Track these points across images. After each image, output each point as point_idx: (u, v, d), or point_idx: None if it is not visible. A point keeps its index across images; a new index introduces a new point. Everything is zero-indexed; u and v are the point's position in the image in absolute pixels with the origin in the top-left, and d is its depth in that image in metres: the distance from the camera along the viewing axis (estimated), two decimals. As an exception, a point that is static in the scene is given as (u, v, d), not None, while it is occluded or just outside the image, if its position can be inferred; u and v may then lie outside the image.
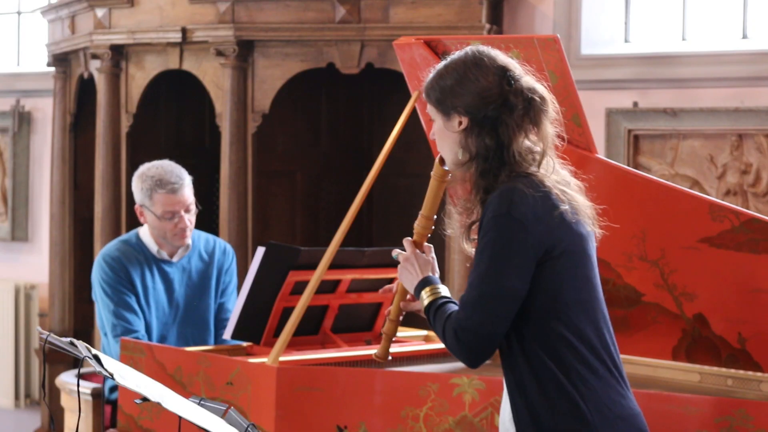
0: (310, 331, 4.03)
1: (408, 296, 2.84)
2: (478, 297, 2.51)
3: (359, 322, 4.17)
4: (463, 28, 5.73)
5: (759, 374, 3.45)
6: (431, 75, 2.72)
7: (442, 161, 2.74)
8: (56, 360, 6.58)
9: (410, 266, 2.74)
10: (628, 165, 5.60)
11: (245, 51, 5.96)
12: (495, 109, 2.60)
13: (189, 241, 4.36)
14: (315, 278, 3.59)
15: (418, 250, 2.76)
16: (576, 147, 3.41)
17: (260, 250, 3.86)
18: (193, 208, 4.34)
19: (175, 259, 4.38)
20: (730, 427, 3.09)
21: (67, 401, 4.70)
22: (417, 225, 2.80)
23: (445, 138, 2.67)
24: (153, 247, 4.35)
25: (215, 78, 6.05)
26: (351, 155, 7.00)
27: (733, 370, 3.50)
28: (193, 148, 6.97)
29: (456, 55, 2.70)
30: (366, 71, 5.93)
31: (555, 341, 2.53)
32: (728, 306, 3.40)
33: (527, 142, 2.62)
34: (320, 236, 6.75)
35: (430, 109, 2.70)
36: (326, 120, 7.04)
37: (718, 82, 5.72)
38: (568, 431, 2.51)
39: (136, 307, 4.28)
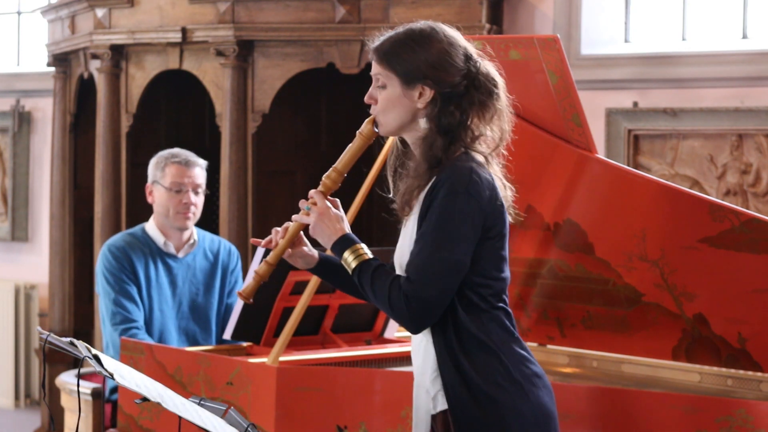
0: (310, 331, 4.03)
1: (297, 244, 2.83)
2: (436, 271, 2.60)
3: (359, 322, 4.18)
4: (463, 28, 5.65)
5: (759, 374, 3.45)
6: (390, 39, 2.75)
7: (374, 123, 2.76)
8: (56, 360, 6.58)
9: (327, 219, 2.75)
10: (628, 165, 5.60)
11: (245, 51, 5.96)
12: (462, 87, 2.67)
13: (191, 225, 4.40)
14: (315, 278, 3.60)
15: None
16: (576, 147, 3.41)
17: (260, 250, 3.86)
18: (201, 192, 4.44)
19: (180, 255, 4.41)
20: (730, 427, 3.09)
21: (67, 401, 4.70)
22: (327, 178, 2.80)
23: (398, 105, 2.70)
24: (159, 239, 4.39)
25: (215, 78, 6.05)
26: (351, 155, 6.99)
27: (733, 370, 3.50)
28: (193, 148, 6.93)
29: (420, 25, 2.78)
30: (366, 71, 5.92)
31: (479, 310, 2.67)
32: (728, 306, 3.40)
33: (483, 124, 2.69)
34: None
35: (383, 73, 2.72)
36: (326, 120, 7.03)
37: (718, 82, 5.72)
38: (495, 386, 2.64)
39: (137, 297, 4.30)
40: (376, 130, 2.77)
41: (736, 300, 3.38)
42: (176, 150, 4.49)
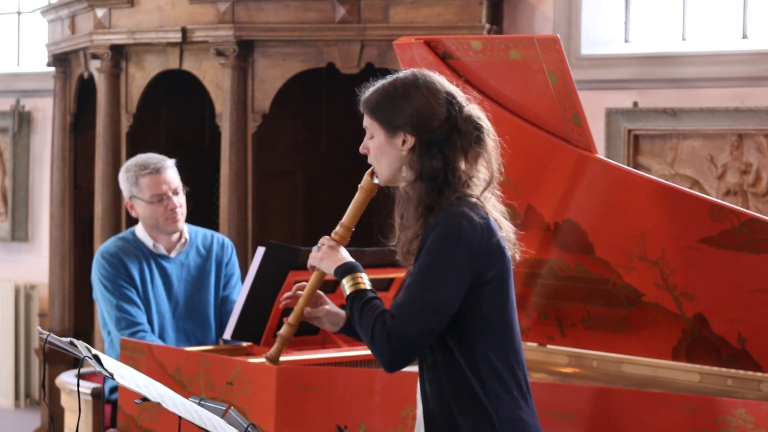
0: (310, 331, 4.03)
1: (316, 302, 2.90)
2: (418, 309, 2.59)
3: (359, 322, 4.17)
4: (463, 28, 5.73)
5: (759, 374, 3.45)
6: (374, 90, 2.77)
7: (372, 174, 2.81)
8: (56, 360, 6.58)
9: (335, 251, 2.81)
10: (628, 165, 5.60)
11: (245, 51, 5.96)
12: (444, 132, 2.68)
13: (182, 226, 4.38)
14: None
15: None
16: (576, 147, 3.41)
17: (260, 250, 3.86)
18: (181, 192, 4.39)
19: (172, 255, 4.40)
20: (730, 427, 3.09)
21: (67, 401, 4.70)
22: (336, 234, 2.85)
23: (386, 154, 2.74)
24: (149, 242, 4.37)
25: (215, 78, 6.05)
26: (351, 155, 6.98)
27: (733, 370, 3.50)
28: (193, 148, 6.97)
29: (403, 75, 2.77)
30: (366, 71, 5.92)
31: (480, 361, 2.65)
32: (728, 306, 3.40)
33: (470, 167, 2.70)
34: (320, 236, 6.73)
35: (370, 124, 2.76)
36: (326, 120, 7.03)
37: (718, 82, 5.72)
38: None
39: (137, 300, 4.30)
40: (376, 182, 2.81)
41: (736, 300, 3.37)
42: (141, 158, 4.40)
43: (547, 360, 3.90)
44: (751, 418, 3.08)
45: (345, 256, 2.79)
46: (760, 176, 5.61)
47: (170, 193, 4.33)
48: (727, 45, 5.86)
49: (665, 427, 3.17)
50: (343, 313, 2.91)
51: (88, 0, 6.37)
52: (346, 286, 2.72)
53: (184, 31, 6.07)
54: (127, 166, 4.41)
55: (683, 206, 3.37)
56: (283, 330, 2.89)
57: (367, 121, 2.78)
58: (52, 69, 7.08)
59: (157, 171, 4.33)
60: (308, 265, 2.87)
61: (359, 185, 2.84)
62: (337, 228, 2.86)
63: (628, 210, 3.45)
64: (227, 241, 4.56)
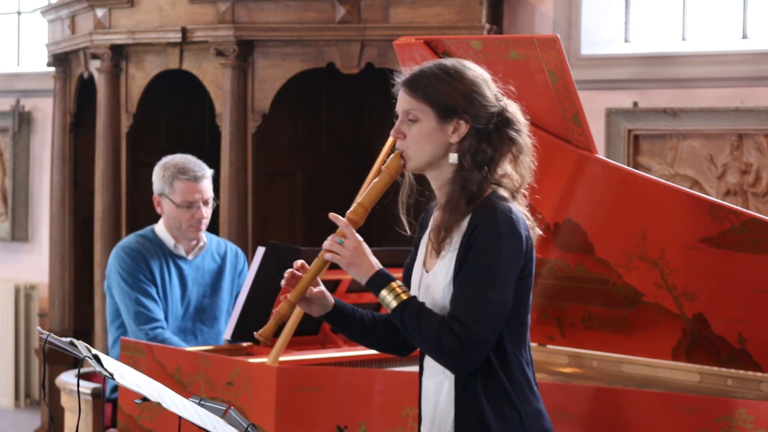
0: (310, 331, 4.04)
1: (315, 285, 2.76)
2: (489, 312, 2.56)
3: (359, 322, 4.17)
4: (463, 28, 5.73)
5: (759, 374, 3.45)
6: (423, 73, 2.67)
7: (401, 157, 2.69)
8: (56, 360, 6.57)
9: (362, 254, 2.67)
10: (628, 165, 5.60)
11: (245, 51, 5.97)
12: (494, 124, 2.66)
13: (202, 235, 4.41)
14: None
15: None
16: (576, 147, 3.41)
17: (260, 250, 3.87)
18: (211, 203, 4.43)
19: (190, 257, 4.43)
20: (730, 427, 3.09)
21: (67, 401, 4.70)
22: (353, 213, 2.72)
23: (431, 140, 2.65)
24: (170, 241, 4.40)
25: (215, 78, 6.05)
26: (351, 155, 7.00)
27: (733, 370, 3.50)
28: (193, 148, 6.94)
29: (450, 62, 2.69)
30: (366, 71, 5.93)
31: (509, 356, 2.65)
32: (728, 306, 3.40)
33: (507, 163, 2.68)
34: (320, 236, 6.72)
35: (418, 107, 2.65)
36: (326, 120, 7.03)
37: (718, 82, 5.73)
38: None
39: (156, 296, 4.32)
40: (403, 165, 2.70)
41: (736, 300, 3.37)
42: (182, 160, 4.40)
43: (547, 360, 3.90)
44: (751, 418, 3.08)
45: (374, 262, 2.67)
46: (760, 176, 5.61)
47: (201, 203, 4.37)
48: (727, 45, 5.86)
49: (665, 427, 3.17)
50: (333, 299, 2.81)
51: (88, 0, 6.37)
52: (388, 298, 2.63)
53: (184, 31, 6.07)
54: (166, 163, 4.41)
55: (683, 206, 3.37)
56: (281, 307, 2.73)
57: (412, 104, 2.66)
58: (52, 69, 7.08)
59: (195, 179, 4.35)
60: (324, 249, 2.71)
61: (384, 167, 2.71)
62: (356, 206, 2.73)
63: (628, 210, 3.45)
64: (240, 251, 4.62)
